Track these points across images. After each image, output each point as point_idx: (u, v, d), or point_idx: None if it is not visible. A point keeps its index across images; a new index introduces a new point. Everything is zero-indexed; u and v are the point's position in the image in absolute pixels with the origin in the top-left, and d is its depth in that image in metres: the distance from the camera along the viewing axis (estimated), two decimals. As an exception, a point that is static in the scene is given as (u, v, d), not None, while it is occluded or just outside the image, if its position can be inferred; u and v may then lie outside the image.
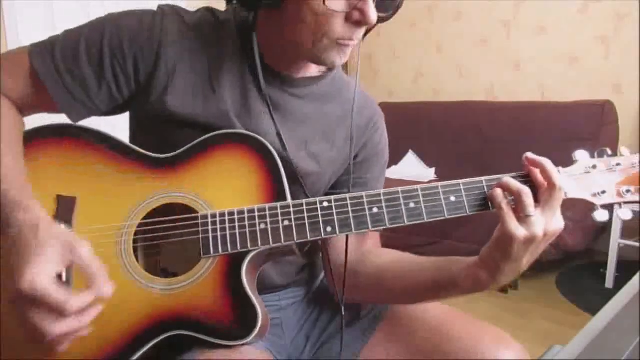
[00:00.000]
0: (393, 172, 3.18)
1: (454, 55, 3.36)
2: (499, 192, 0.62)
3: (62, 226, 0.61)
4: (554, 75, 2.92)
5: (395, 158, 3.32)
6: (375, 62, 3.84)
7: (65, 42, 0.69)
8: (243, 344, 0.64)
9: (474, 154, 3.00)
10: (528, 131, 2.76)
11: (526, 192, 0.60)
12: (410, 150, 3.30)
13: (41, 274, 0.52)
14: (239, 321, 0.64)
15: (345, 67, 0.86)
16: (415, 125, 3.32)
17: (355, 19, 0.63)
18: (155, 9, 0.72)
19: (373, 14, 0.63)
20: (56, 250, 0.55)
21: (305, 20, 0.63)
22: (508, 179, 0.63)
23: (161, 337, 0.63)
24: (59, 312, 0.53)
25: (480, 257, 0.66)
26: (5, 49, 2.31)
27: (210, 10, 0.76)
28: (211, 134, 0.70)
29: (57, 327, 0.53)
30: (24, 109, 0.72)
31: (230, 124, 0.72)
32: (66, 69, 0.68)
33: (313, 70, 0.78)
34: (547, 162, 0.62)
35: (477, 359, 0.70)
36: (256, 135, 0.69)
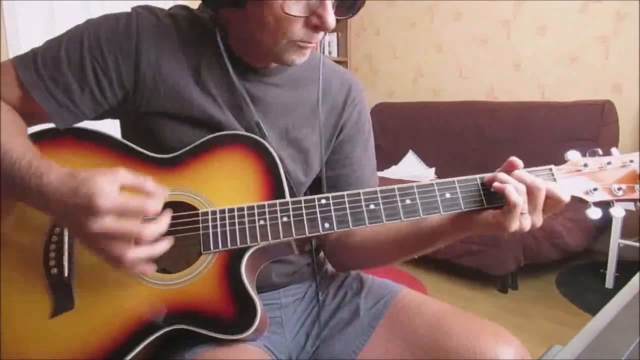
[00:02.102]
0: (393, 172, 3.19)
1: (454, 55, 3.37)
2: (523, 189, 0.64)
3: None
4: (554, 75, 2.92)
5: (395, 158, 3.33)
6: (375, 62, 3.84)
7: (47, 51, 0.70)
8: (242, 338, 0.64)
9: (474, 154, 3.00)
10: (528, 131, 2.76)
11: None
12: (410, 150, 3.30)
13: (111, 194, 0.55)
14: (238, 315, 0.64)
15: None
16: (415, 125, 3.32)
17: (313, 23, 0.66)
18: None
19: (331, 19, 0.65)
20: (105, 177, 0.56)
21: (266, 22, 0.65)
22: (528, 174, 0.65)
23: (161, 332, 0.64)
24: (141, 213, 0.56)
25: (458, 226, 0.70)
26: (5, 49, 2.32)
27: (183, 7, 0.77)
28: (210, 136, 0.71)
29: (134, 253, 0.57)
30: None
31: (222, 119, 0.73)
32: (49, 76, 0.69)
33: None
34: (513, 165, 0.66)
35: (477, 355, 0.70)
36: (254, 136, 0.71)
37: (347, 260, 0.88)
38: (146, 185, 0.58)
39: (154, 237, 0.58)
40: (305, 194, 0.87)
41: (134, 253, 0.57)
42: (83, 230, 0.55)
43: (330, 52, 3.85)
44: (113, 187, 0.56)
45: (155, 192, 0.58)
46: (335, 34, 3.92)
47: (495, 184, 0.65)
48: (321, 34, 0.68)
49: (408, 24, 3.56)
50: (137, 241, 0.56)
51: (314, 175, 0.84)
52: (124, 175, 0.57)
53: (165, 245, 0.60)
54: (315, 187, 0.85)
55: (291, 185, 0.76)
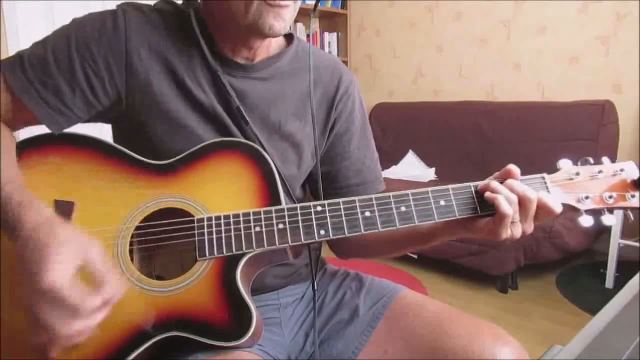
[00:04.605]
0: (393, 172, 3.19)
1: (454, 55, 3.37)
2: (514, 199, 0.65)
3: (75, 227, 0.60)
4: (554, 75, 2.92)
5: (395, 158, 3.33)
6: (375, 62, 3.84)
7: (34, 54, 0.69)
8: (238, 345, 0.64)
9: (474, 154, 3.00)
10: (528, 131, 2.76)
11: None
12: (410, 150, 3.30)
13: (62, 273, 0.52)
14: (233, 322, 0.64)
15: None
16: (415, 125, 3.32)
17: None
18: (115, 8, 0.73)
19: None
20: (74, 249, 0.54)
21: None
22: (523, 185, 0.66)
23: (156, 339, 0.63)
24: (73, 312, 0.53)
25: (451, 230, 0.72)
26: (5, 49, 2.32)
27: (169, 2, 0.76)
28: (206, 142, 0.71)
29: (70, 326, 0.53)
30: (10, 125, 0.71)
31: (217, 120, 0.73)
32: (38, 79, 0.68)
33: (273, 48, 0.79)
34: (510, 173, 0.68)
35: (475, 355, 0.70)
36: (250, 142, 0.71)
37: (347, 250, 0.89)
38: (105, 282, 0.55)
39: (93, 311, 0.54)
40: (303, 188, 0.88)
41: (72, 326, 0.53)
42: (38, 280, 0.51)
43: (330, 52, 3.86)
44: (68, 267, 0.52)
45: (112, 289, 0.55)
46: (335, 33, 3.92)
47: (487, 194, 0.66)
48: None
49: (408, 24, 3.56)
50: (76, 314, 0.53)
51: (308, 168, 0.84)
52: (95, 257, 0.55)
53: (102, 316, 0.56)
54: (316, 182, 0.85)
55: (284, 181, 0.76)
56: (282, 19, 0.68)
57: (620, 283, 2.24)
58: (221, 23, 0.73)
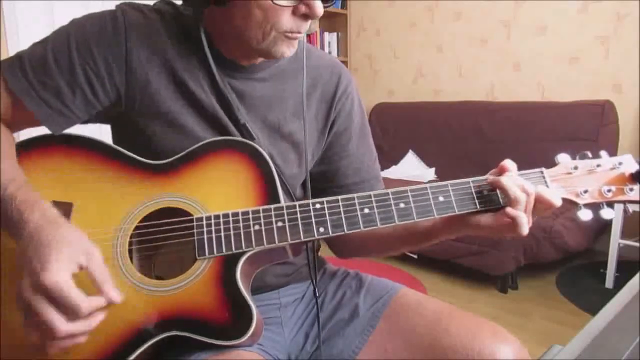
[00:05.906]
0: (393, 172, 3.19)
1: (454, 55, 3.37)
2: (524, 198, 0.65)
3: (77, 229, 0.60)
4: (554, 75, 2.92)
5: (395, 158, 3.33)
6: (375, 62, 3.84)
7: (33, 55, 0.69)
8: (238, 344, 0.64)
9: (474, 154, 3.00)
10: (528, 131, 2.76)
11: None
12: (410, 150, 3.30)
13: (63, 271, 0.53)
14: (234, 321, 0.64)
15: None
16: (415, 125, 3.32)
17: (302, 12, 0.66)
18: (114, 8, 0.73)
19: (319, 8, 0.65)
20: (77, 250, 0.55)
21: (252, 16, 0.65)
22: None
23: (156, 339, 0.63)
24: (72, 312, 0.53)
25: (452, 228, 0.72)
26: (5, 49, 2.32)
27: (168, 3, 0.76)
28: (204, 141, 0.71)
29: (67, 327, 0.54)
30: (10, 127, 0.71)
31: (216, 120, 0.74)
32: (38, 80, 0.68)
33: None
34: (507, 171, 0.67)
35: (475, 353, 0.70)
36: (249, 141, 0.71)
37: (346, 249, 0.89)
38: (104, 287, 0.56)
39: (90, 312, 0.55)
40: (304, 187, 0.88)
41: (69, 327, 0.54)
42: (39, 276, 0.53)
43: (330, 52, 3.85)
44: (69, 267, 0.54)
45: (110, 293, 0.56)
46: (335, 33, 3.92)
47: (508, 209, 0.65)
48: (309, 22, 0.68)
49: (408, 24, 3.56)
50: (75, 314, 0.54)
51: (309, 165, 0.84)
52: (96, 260, 0.56)
53: (99, 319, 0.57)
54: (314, 181, 0.85)
55: (284, 181, 0.76)
56: (293, 46, 0.70)
57: (620, 283, 2.24)
58: (229, 38, 0.73)
